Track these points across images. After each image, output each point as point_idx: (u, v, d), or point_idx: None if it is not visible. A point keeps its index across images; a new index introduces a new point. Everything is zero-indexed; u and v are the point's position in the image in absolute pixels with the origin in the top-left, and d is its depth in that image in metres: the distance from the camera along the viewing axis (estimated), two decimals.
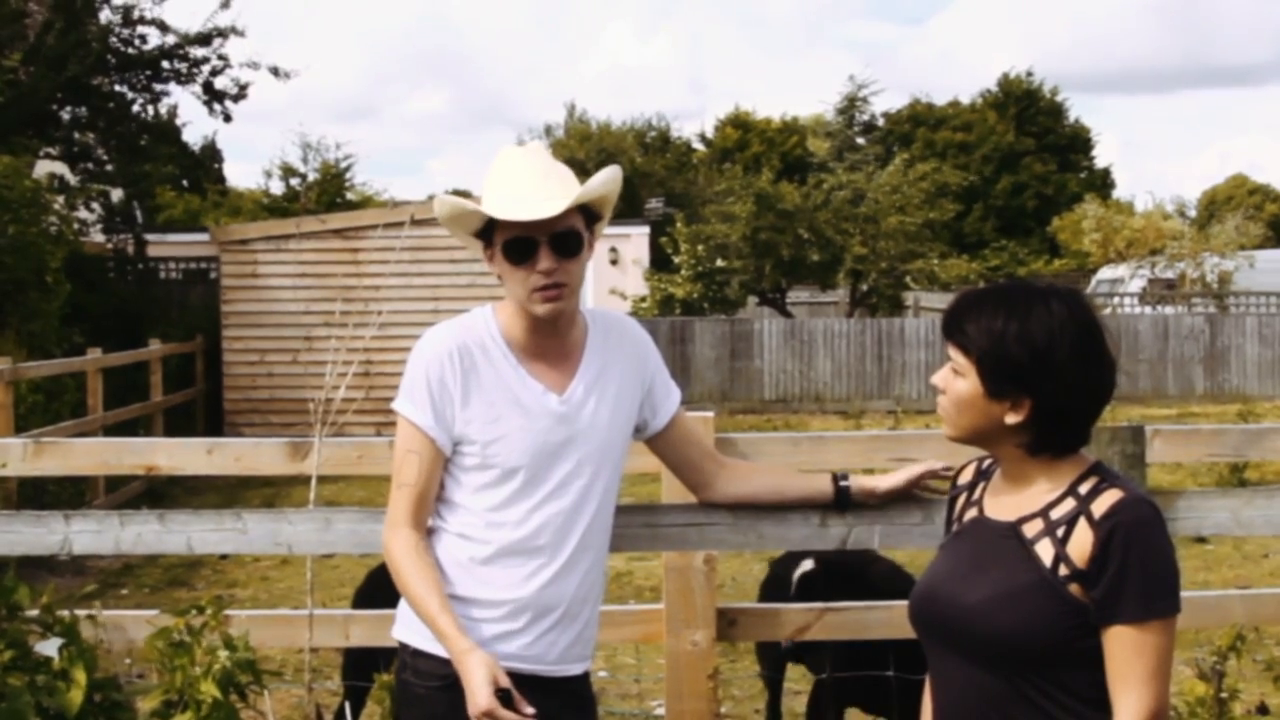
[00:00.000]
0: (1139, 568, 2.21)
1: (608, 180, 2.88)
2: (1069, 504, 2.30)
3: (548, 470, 2.84)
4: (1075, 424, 2.34)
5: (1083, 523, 2.26)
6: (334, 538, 3.56)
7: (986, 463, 2.55)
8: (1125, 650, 2.21)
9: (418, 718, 2.88)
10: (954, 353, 2.36)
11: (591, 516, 2.88)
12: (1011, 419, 2.31)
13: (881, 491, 3.20)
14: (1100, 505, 2.25)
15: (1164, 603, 2.23)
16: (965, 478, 2.59)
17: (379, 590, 4.44)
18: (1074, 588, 2.24)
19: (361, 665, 4.80)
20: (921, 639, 2.49)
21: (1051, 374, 2.28)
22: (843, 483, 3.20)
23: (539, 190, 2.79)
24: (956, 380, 2.36)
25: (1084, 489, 2.30)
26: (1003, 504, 2.41)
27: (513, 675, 2.71)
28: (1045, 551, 2.28)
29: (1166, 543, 2.27)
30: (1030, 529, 2.32)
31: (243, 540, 3.58)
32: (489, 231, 2.85)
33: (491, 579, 2.82)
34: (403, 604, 2.92)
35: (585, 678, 2.98)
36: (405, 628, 2.92)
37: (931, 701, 2.50)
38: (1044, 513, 2.32)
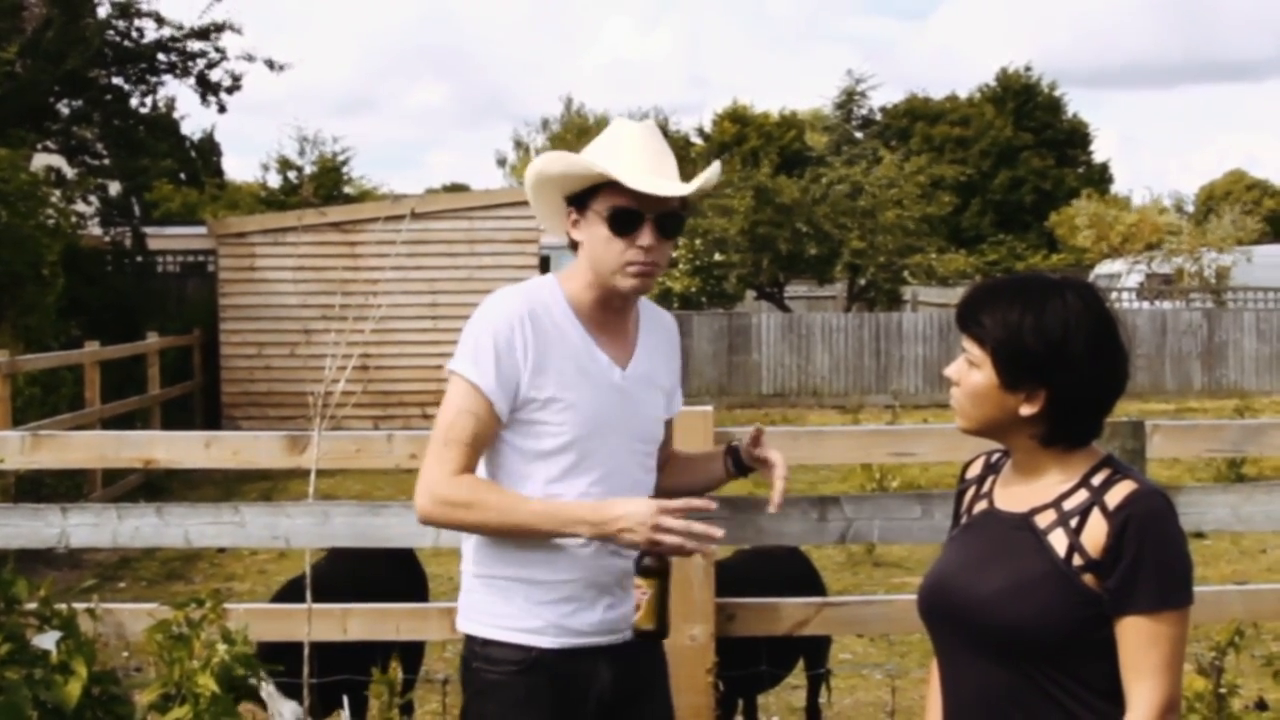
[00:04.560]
0: (1153, 559, 2.21)
1: (717, 174, 2.92)
2: (1082, 495, 2.30)
3: (607, 443, 2.84)
4: (1089, 416, 2.34)
5: (1096, 513, 2.26)
6: (332, 531, 3.56)
7: (995, 456, 2.55)
8: (1139, 641, 2.22)
9: (496, 704, 2.85)
10: (968, 344, 2.36)
11: (646, 493, 2.88)
12: (1026, 410, 2.31)
13: (755, 453, 3.04)
14: (1114, 496, 2.26)
15: (1178, 594, 2.23)
16: (974, 471, 2.58)
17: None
18: (1088, 578, 2.24)
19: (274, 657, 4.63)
20: (931, 632, 2.48)
21: (1067, 366, 2.28)
22: (734, 443, 3.12)
23: (663, 167, 2.81)
24: (971, 372, 2.35)
25: (1097, 480, 2.30)
26: (1013, 496, 2.41)
27: (590, 650, 2.81)
28: (1059, 542, 2.28)
29: (1179, 534, 2.28)
30: (1043, 520, 2.32)
31: (241, 533, 3.58)
32: (584, 196, 2.81)
33: (554, 557, 2.81)
34: (463, 596, 2.94)
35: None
36: (469, 620, 2.91)
37: (941, 694, 2.49)
38: (1056, 504, 2.32)
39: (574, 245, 2.89)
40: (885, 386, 21.72)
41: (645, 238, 2.78)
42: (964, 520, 2.53)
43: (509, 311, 2.81)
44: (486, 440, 2.82)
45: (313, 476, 4.16)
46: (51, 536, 3.55)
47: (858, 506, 3.42)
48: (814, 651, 5.26)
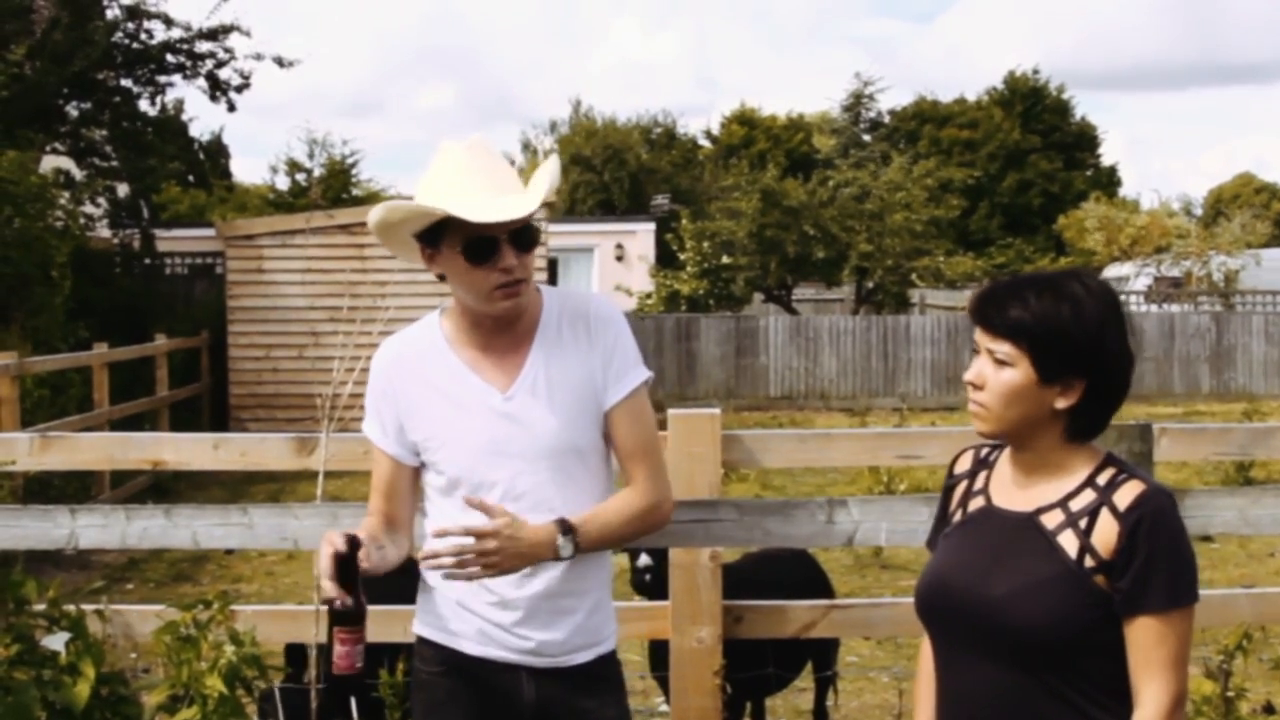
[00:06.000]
0: (1165, 558, 2.23)
1: (557, 172, 2.88)
2: (1089, 495, 2.31)
3: (494, 471, 2.80)
4: (1117, 403, 2.36)
5: (1106, 514, 2.27)
6: None
7: (985, 450, 2.55)
8: (1150, 639, 2.23)
9: (421, 701, 2.96)
10: (997, 343, 2.33)
11: (556, 514, 2.78)
12: (1062, 404, 2.32)
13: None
14: (1123, 497, 2.27)
15: (1187, 592, 2.26)
16: (963, 465, 2.58)
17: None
18: (1098, 579, 2.26)
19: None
20: (932, 632, 2.48)
21: (1104, 353, 2.30)
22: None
23: (504, 184, 2.77)
24: (1002, 371, 2.33)
25: (1102, 480, 2.31)
26: (1014, 494, 2.41)
27: (513, 665, 2.82)
28: (1069, 543, 2.28)
29: (1186, 532, 2.31)
30: (1050, 520, 2.32)
31: (249, 535, 3.59)
32: (434, 234, 2.78)
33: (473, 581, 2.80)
34: (418, 596, 2.99)
35: (602, 660, 2.92)
36: (416, 619, 2.99)
37: (938, 695, 2.48)
38: (1063, 504, 2.32)
39: (442, 276, 2.86)
40: (893, 389, 21.70)
41: (505, 259, 2.75)
42: (958, 517, 2.51)
43: (378, 365, 2.94)
44: (398, 482, 2.94)
45: (320, 478, 4.17)
46: (60, 538, 3.56)
47: (865, 509, 3.42)
48: (821, 654, 5.26)
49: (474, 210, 2.70)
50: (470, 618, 2.84)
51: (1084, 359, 2.29)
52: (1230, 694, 4.28)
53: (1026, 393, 2.31)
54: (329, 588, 2.63)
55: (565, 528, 2.74)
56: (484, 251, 2.74)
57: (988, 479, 2.49)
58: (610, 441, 2.91)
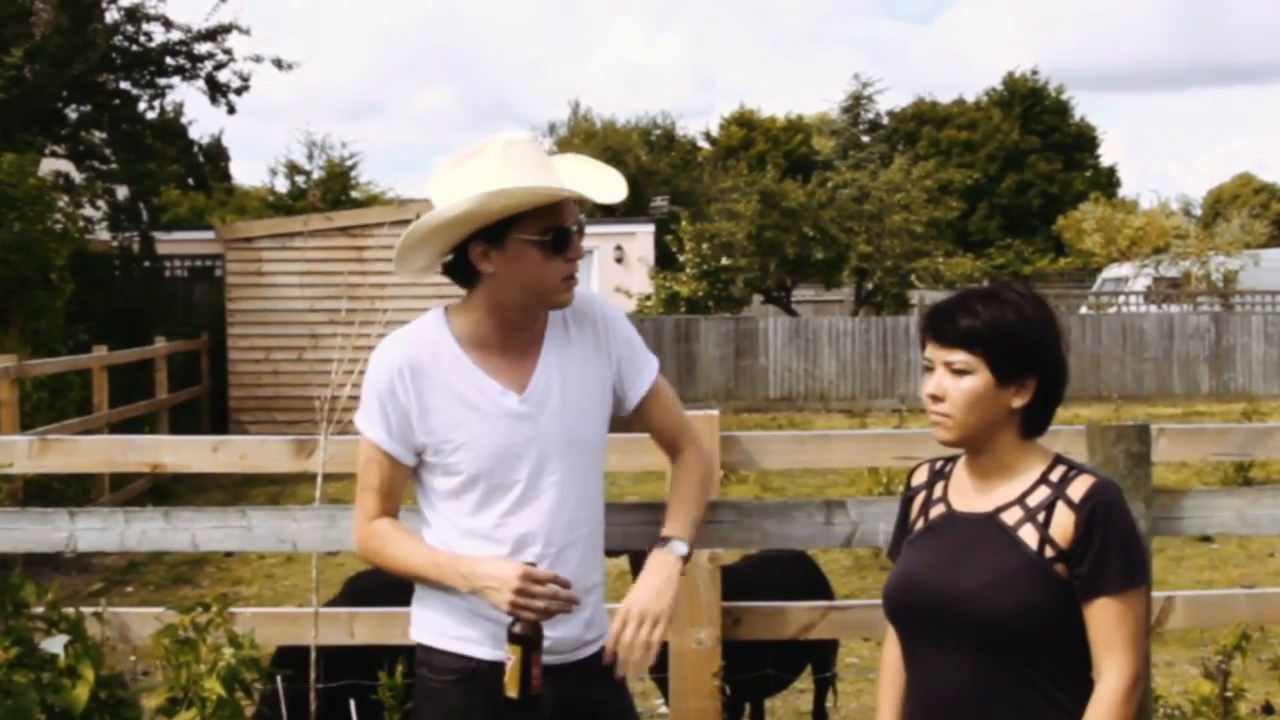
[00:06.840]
0: (1119, 544, 2.40)
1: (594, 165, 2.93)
2: (1044, 491, 2.48)
3: (514, 472, 2.81)
4: (1061, 397, 2.53)
5: (1062, 507, 2.44)
6: (339, 535, 3.56)
7: (939, 463, 2.70)
8: (1109, 619, 2.40)
9: (434, 711, 2.90)
10: (953, 354, 2.47)
11: (572, 511, 2.85)
12: (1018, 402, 2.48)
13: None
14: (1076, 490, 2.45)
15: (1141, 573, 2.44)
16: (920, 478, 2.72)
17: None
18: (1059, 567, 2.42)
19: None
20: (902, 631, 2.61)
21: (1049, 351, 2.49)
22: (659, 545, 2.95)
23: (586, 173, 2.82)
24: (962, 379, 2.47)
25: (1054, 477, 2.49)
26: (974, 498, 2.56)
27: None
28: (1030, 536, 2.45)
29: (1134, 519, 2.50)
30: (1010, 517, 2.48)
31: (248, 538, 3.58)
32: (501, 229, 2.72)
33: None
34: (414, 604, 2.96)
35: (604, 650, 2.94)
36: (418, 628, 2.95)
37: (909, 690, 2.59)
38: (1021, 501, 2.49)
39: (460, 276, 2.84)
40: (892, 390, 21.71)
41: (576, 249, 2.78)
42: (920, 525, 2.64)
43: (388, 364, 2.84)
44: (397, 481, 2.91)
45: (319, 480, 4.18)
46: (59, 540, 3.56)
47: (863, 510, 3.42)
48: (821, 655, 5.26)
49: (595, 190, 2.75)
50: (484, 623, 2.81)
51: (1034, 357, 2.46)
52: (1229, 694, 4.29)
53: (987, 396, 2.47)
54: (533, 618, 2.68)
55: (680, 550, 2.90)
56: (564, 240, 2.76)
57: (945, 488, 2.63)
58: (649, 430, 3.05)
